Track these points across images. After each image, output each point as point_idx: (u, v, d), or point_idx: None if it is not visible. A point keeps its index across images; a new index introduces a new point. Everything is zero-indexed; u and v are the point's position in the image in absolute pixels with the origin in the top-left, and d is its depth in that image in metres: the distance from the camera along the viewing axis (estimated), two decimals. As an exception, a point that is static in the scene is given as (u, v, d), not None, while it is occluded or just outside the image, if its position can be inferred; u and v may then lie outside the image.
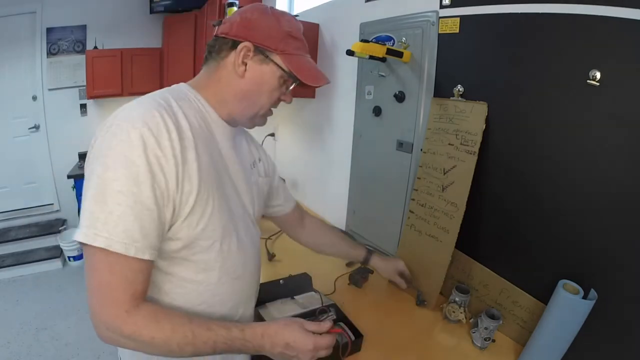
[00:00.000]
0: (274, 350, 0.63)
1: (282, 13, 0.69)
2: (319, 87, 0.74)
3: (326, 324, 0.68)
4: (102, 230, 0.50)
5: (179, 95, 0.64)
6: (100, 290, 0.53)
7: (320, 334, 0.66)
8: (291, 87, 0.70)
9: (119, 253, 0.51)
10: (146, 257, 0.54)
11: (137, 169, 0.52)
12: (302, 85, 0.71)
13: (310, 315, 0.96)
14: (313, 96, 1.80)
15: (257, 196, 0.80)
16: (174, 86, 0.68)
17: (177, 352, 0.56)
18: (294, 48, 0.67)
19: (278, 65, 0.66)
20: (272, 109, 0.74)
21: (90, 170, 0.53)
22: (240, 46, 0.64)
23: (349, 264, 1.31)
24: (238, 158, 0.74)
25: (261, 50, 0.65)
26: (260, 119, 0.73)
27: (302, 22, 1.65)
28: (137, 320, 0.53)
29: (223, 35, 0.66)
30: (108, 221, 0.51)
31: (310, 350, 0.64)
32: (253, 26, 0.65)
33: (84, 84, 3.30)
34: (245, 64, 0.65)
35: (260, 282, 0.84)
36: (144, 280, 0.56)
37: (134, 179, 0.52)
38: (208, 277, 0.65)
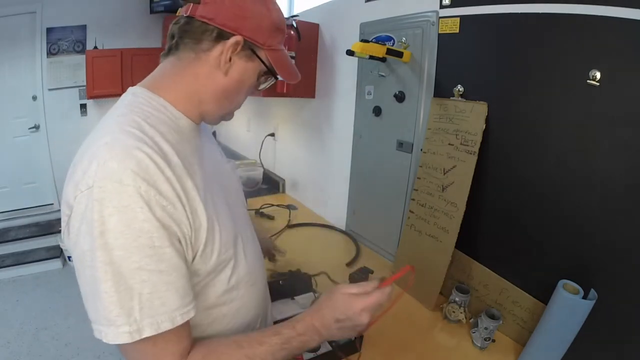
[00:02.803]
0: (331, 332, 0.58)
1: None
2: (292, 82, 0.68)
3: (371, 284, 0.61)
4: (143, 317, 0.44)
5: (143, 110, 0.53)
6: None
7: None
8: (268, 84, 0.64)
9: (168, 329, 0.46)
10: (191, 314, 0.49)
11: (148, 234, 0.44)
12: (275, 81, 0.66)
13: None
14: (313, 96, 1.80)
15: (238, 183, 0.76)
16: (130, 99, 0.55)
17: None
18: (277, 42, 0.60)
19: (263, 62, 0.60)
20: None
21: (90, 256, 0.44)
22: (232, 40, 0.55)
23: (349, 264, 1.31)
24: (212, 155, 0.68)
25: (250, 46, 0.57)
26: (230, 115, 0.66)
27: (302, 22, 1.66)
28: None
29: (204, 20, 0.54)
30: (143, 304, 0.44)
31: (360, 311, 0.57)
32: (245, 14, 0.55)
33: (84, 84, 3.30)
34: (230, 60, 0.57)
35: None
36: (189, 333, 0.52)
37: (149, 247, 0.44)
38: (230, 296, 0.61)
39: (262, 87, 0.64)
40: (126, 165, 0.44)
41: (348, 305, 0.58)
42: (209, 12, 0.54)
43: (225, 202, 0.64)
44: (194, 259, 0.52)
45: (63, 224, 0.48)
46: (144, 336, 0.44)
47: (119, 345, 0.48)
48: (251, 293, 0.66)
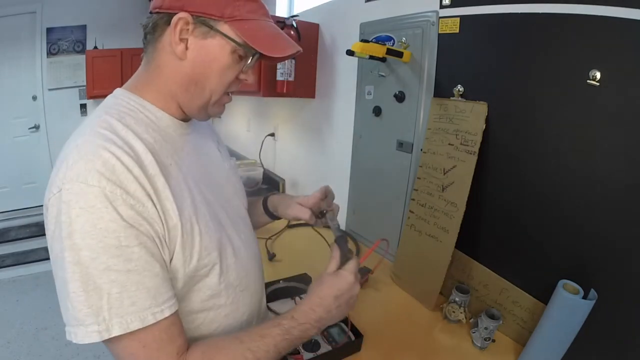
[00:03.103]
0: (331, 312, 0.59)
1: None
2: (287, 57, 0.59)
3: (352, 263, 0.64)
4: (111, 317, 0.44)
5: (119, 110, 0.52)
6: None
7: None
8: (252, 63, 0.57)
9: (140, 328, 0.46)
10: (166, 313, 0.48)
11: (115, 234, 0.44)
12: (266, 58, 0.59)
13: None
14: (313, 96, 1.80)
15: (238, 182, 0.74)
16: (109, 99, 0.56)
17: None
18: (246, 12, 0.53)
19: (226, 37, 0.53)
20: (236, 94, 0.62)
21: (60, 257, 0.44)
22: (174, 19, 0.51)
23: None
24: (206, 151, 0.66)
25: (202, 21, 0.52)
26: (214, 107, 0.59)
27: (302, 22, 1.66)
28: None
29: (156, 11, 0.54)
30: (112, 304, 0.44)
31: (354, 282, 0.62)
32: None
33: (84, 84, 3.31)
34: (185, 41, 0.53)
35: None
36: (179, 331, 0.51)
37: (116, 247, 0.44)
38: (216, 302, 0.59)
39: (247, 65, 0.57)
40: (92, 166, 0.44)
41: (340, 280, 0.61)
42: (158, 1, 0.53)
43: (215, 203, 0.62)
44: (171, 259, 0.51)
45: (45, 227, 0.48)
46: (113, 335, 0.44)
47: (112, 352, 0.48)
48: (242, 298, 0.64)
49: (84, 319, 0.44)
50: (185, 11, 0.51)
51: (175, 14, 0.51)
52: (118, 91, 0.57)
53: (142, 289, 0.46)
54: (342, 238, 0.70)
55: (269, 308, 0.93)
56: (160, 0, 0.53)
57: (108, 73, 3.21)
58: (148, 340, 0.47)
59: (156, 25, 0.55)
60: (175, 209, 0.50)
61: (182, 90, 0.56)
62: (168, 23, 0.53)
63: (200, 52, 0.53)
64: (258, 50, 0.54)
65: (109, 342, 0.46)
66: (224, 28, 0.53)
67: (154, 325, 0.47)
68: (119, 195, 0.44)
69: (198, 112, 0.59)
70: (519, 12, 0.89)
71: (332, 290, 0.60)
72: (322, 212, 0.79)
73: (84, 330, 0.44)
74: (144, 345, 0.47)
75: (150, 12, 0.56)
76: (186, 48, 0.53)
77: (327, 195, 0.81)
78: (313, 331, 0.59)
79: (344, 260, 0.66)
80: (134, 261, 0.45)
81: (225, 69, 0.55)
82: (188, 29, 0.52)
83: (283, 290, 1.05)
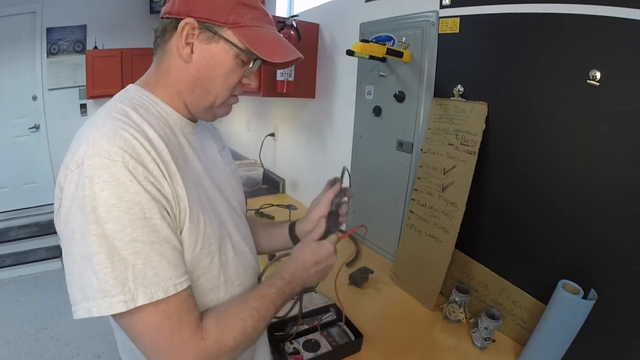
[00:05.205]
0: (311, 275, 0.68)
1: None
2: (288, 64, 0.62)
3: (334, 236, 0.72)
4: (137, 287, 0.45)
5: (133, 102, 0.55)
6: (172, 340, 0.49)
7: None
8: (255, 68, 0.60)
9: (163, 298, 0.47)
10: (184, 285, 0.50)
11: (139, 206, 0.46)
12: (267, 64, 0.61)
13: (311, 315, 0.97)
14: (313, 96, 1.80)
15: (237, 186, 0.76)
16: (122, 93, 0.58)
17: (256, 334, 0.58)
18: (249, 19, 0.56)
19: (229, 42, 0.55)
20: (238, 95, 0.64)
21: (80, 233, 0.45)
22: (180, 25, 0.54)
23: (349, 264, 1.31)
24: (208, 153, 0.69)
25: (207, 26, 0.55)
26: (220, 109, 0.63)
27: (302, 22, 1.65)
28: (214, 337, 0.52)
29: (166, 16, 0.56)
30: (137, 275, 0.45)
31: (333, 252, 0.70)
32: None
33: (84, 84, 3.31)
34: (191, 45, 0.56)
35: (261, 282, 0.82)
36: (195, 304, 0.53)
37: (140, 219, 0.46)
38: (216, 297, 0.61)
39: (249, 70, 0.60)
40: (114, 143, 0.46)
41: (322, 249, 0.69)
42: (168, 7, 0.56)
43: (217, 201, 0.65)
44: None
45: (55, 207, 0.49)
46: (138, 304, 0.45)
47: (135, 330, 0.49)
48: (240, 294, 0.66)
49: (110, 289, 0.44)
50: (192, 17, 0.54)
51: (183, 19, 0.54)
52: (131, 86, 0.60)
53: (164, 260, 0.48)
54: (334, 213, 0.77)
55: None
56: (170, 6, 0.56)
57: (108, 73, 3.20)
58: (171, 310, 0.49)
59: (165, 30, 0.57)
60: (185, 194, 0.53)
61: (188, 91, 0.59)
62: (176, 27, 0.55)
63: (204, 56, 0.56)
64: (259, 55, 0.56)
65: (133, 317, 0.47)
66: (228, 34, 0.55)
67: (175, 295, 0.49)
68: (140, 171, 0.47)
69: (204, 113, 0.62)
70: (519, 12, 0.89)
71: (314, 256, 0.68)
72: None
73: (109, 302, 0.44)
74: (168, 317, 0.49)
75: (161, 17, 0.58)
76: (191, 52, 0.56)
77: (342, 192, 0.81)
78: (297, 289, 0.67)
79: (327, 233, 0.73)
80: (156, 232, 0.47)
81: (228, 73, 0.58)
82: (194, 34, 0.55)
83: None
